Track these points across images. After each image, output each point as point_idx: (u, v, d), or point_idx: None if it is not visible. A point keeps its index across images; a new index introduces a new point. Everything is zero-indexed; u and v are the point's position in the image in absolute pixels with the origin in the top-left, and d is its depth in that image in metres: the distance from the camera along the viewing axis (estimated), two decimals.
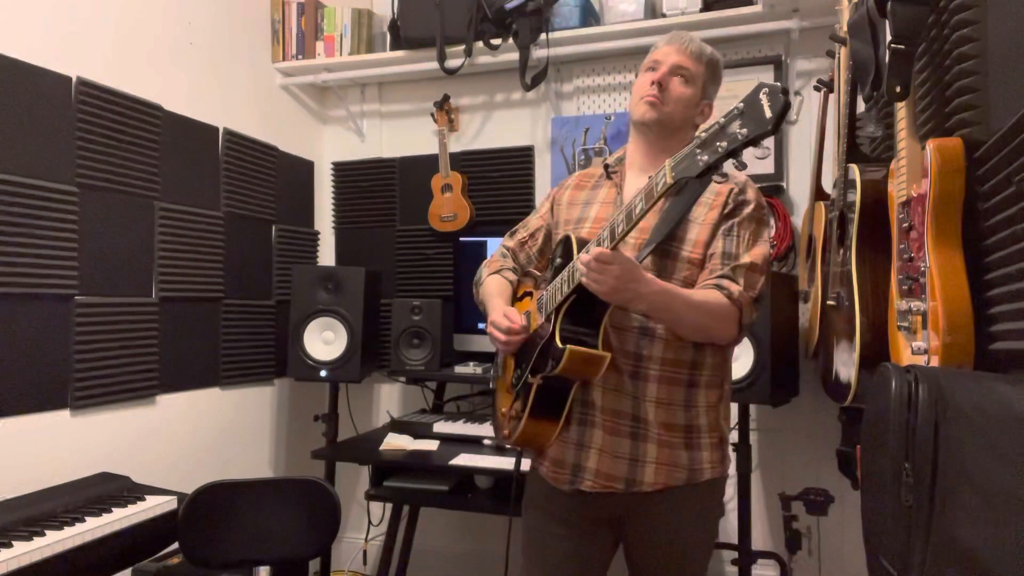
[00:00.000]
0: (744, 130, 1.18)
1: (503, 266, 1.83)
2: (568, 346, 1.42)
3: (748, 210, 1.55)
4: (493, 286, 1.76)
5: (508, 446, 1.69)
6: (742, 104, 1.19)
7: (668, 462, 1.55)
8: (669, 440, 1.55)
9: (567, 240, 1.57)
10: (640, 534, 1.62)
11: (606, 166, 1.72)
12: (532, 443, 1.65)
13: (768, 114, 1.16)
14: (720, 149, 1.20)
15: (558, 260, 1.58)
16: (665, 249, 1.53)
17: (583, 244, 1.49)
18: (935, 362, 1.35)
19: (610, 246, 1.38)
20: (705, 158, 1.22)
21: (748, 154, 1.25)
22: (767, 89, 1.17)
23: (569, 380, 1.53)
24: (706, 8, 2.77)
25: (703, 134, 1.23)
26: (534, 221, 1.83)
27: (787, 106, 1.15)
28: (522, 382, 1.59)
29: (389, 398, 3.41)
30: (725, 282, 1.50)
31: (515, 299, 1.79)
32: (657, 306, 1.46)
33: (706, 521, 1.65)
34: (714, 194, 1.56)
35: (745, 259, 1.53)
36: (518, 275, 1.82)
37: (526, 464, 1.78)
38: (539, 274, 1.75)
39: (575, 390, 1.55)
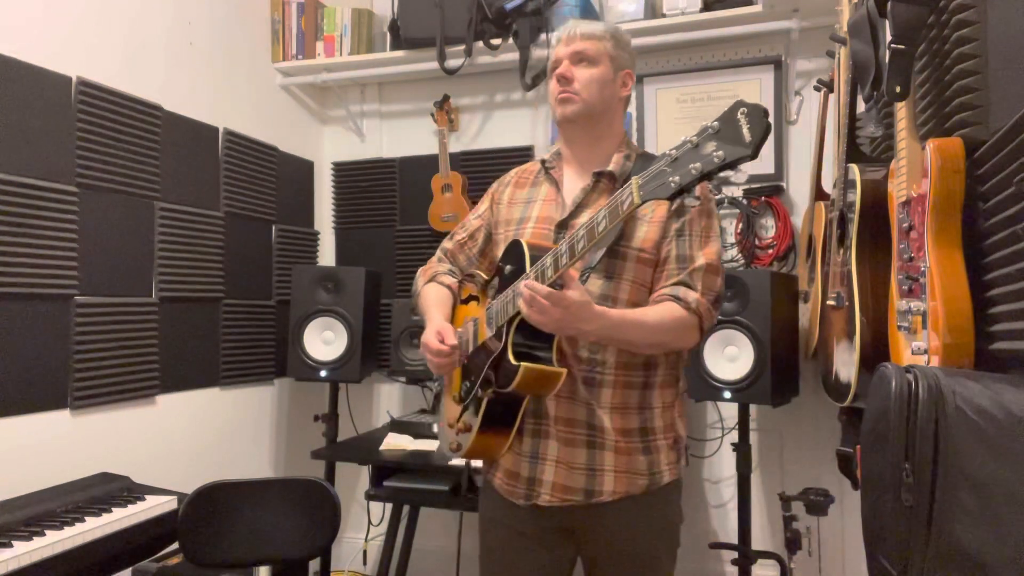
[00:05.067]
0: (720, 152, 1.10)
1: (438, 272, 1.75)
2: (523, 364, 1.37)
3: (696, 205, 1.50)
4: (431, 295, 1.69)
5: (457, 458, 1.64)
6: (717, 123, 1.11)
7: (627, 469, 1.51)
8: (627, 446, 1.51)
9: (517, 247, 1.49)
10: (602, 546, 1.57)
11: (543, 162, 1.67)
12: (482, 456, 1.61)
13: (748, 137, 1.08)
14: (694, 172, 1.12)
15: (508, 268, 1.51)
16: (613, 249, 1.48)
17: (536, 255, 1.42)
18: (935, 362, 1.35)
19: (567, 263, 1.32)
20: (677, 179, 1.14)
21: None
22: (745, 109, 1.09)
23: (521, 395, 1.48)
24: (706, 8, 2.76)
25: (673, 151, 1.16)
26: (473, 221, 1.76)
27: (768, 129, 1.08)
28: (471, 396, 1.53)
29: (389, 398, 3.40)
30: (682, 291, 1.47)
31: (458, 302, 1.72)
32: (607, 337, 1.43)
33: (668, 528, 1.60)
34: None
35: (700, 261, 1.49)
36: (457, 278, 1.74)
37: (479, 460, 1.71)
38: (484, 276, 1.67)
39: (527, 401, 1.50)
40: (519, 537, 1.59)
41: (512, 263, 1.50)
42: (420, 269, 1.80)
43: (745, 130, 1.08)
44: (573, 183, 1.60)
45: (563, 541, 1.59)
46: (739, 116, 1.09)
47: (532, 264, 1.41)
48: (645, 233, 1.50)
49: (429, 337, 1.56)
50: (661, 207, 1.50)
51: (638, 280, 1.50)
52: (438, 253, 1.81)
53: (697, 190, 1.43)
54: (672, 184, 1.15)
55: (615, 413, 1.50)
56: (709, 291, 1.49)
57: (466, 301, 1.71)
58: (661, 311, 1.46)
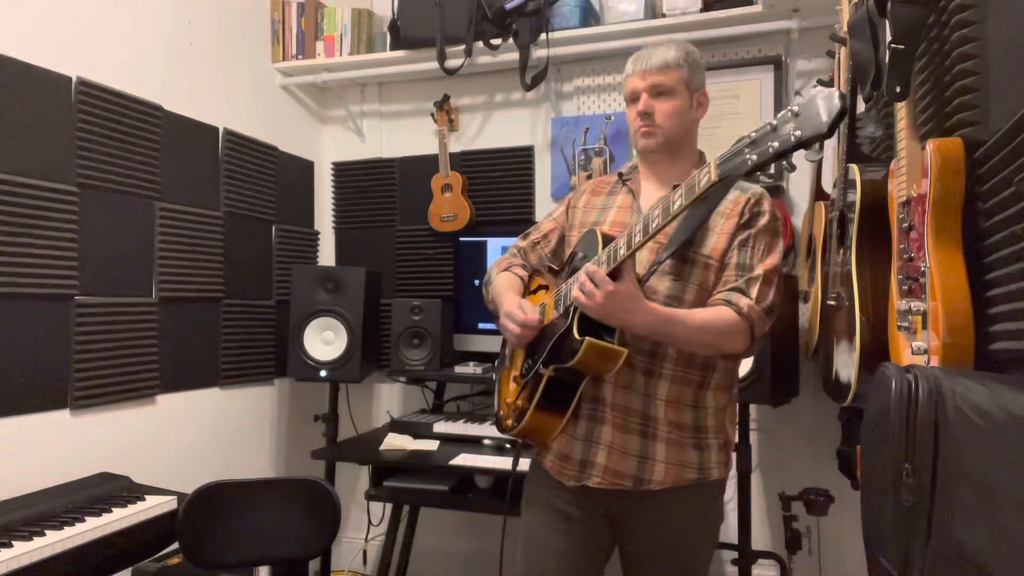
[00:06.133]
0: (798, 132, 1.18)
1: (512, 263, 1.83)
2: (586, 338, 1.42)
3: (763, 221, 1.57)
4: (504, 282, 1.77)
5: (510, 436, 1.68)
6: (797, 107, 1.20)
7: (678, 461, 1.55)
8: (679, 439, 1.55)
9: (591, 235, 1.57)
10: (644, 535, 1.61)
11: (620, 174, 1.74)
12: (535, 435, 1.64)
13: (824, 117, 1.16)
14: (771, 149, 1.21)
15: (580, 255, 1.59)
16: (683, 254, 1.55)
17: (608, 240, 1.50)
18: (935, 362, 1.35)
19: (641, 241, 1.39)
20: (754, 157, 1.22)
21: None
22: (824, 94, 1.17)
23: (582, 374, 1.53)
24: (706, 8, 2.76)
25: (753, 134, 1.24)
26: (547, 224, 1.84)
27: (844, 111, 1.16)
28: (533, 372, 1.58)
29: (389, 398, 3.41)
30: (736, 296, 1.52)
31: (528, 292, 1.79)
32: (656, 332, 1.48)
33: (711, 523, 1.65)
34: (731, 203, 1.57)
35: (758, 270, 1.54)
36: (528, 271, 1.82)
37: (524, 464, 1.77)
38: (556, 267, 1.75)
39: (584, 385, 1.55)
40: (563, 519, 1.63)
41: (585, 249, 1.58)
42: (494, 262, 1.88)
43: (823, 111, 1.16)
44: (651, 194, 1.66)
45: (604, 529, 1.64)
46: (818, 100, 1.18)
47: (604, 248, 1.48)
48: (714, 242, 1.56)
49: (512, 309, 1.62)
50: (730, 220, 1.57)
51: (703, 284, 1.56)
52: (511, 249, 1.88)
53: (766, 205, 1.57)
54: (749, 161, 1.23)
55: (669, 407, 1.55)
56: (763, 299, 1.53)
57: (535, 291, 1.78)
58: (711, 313, 1.51)
